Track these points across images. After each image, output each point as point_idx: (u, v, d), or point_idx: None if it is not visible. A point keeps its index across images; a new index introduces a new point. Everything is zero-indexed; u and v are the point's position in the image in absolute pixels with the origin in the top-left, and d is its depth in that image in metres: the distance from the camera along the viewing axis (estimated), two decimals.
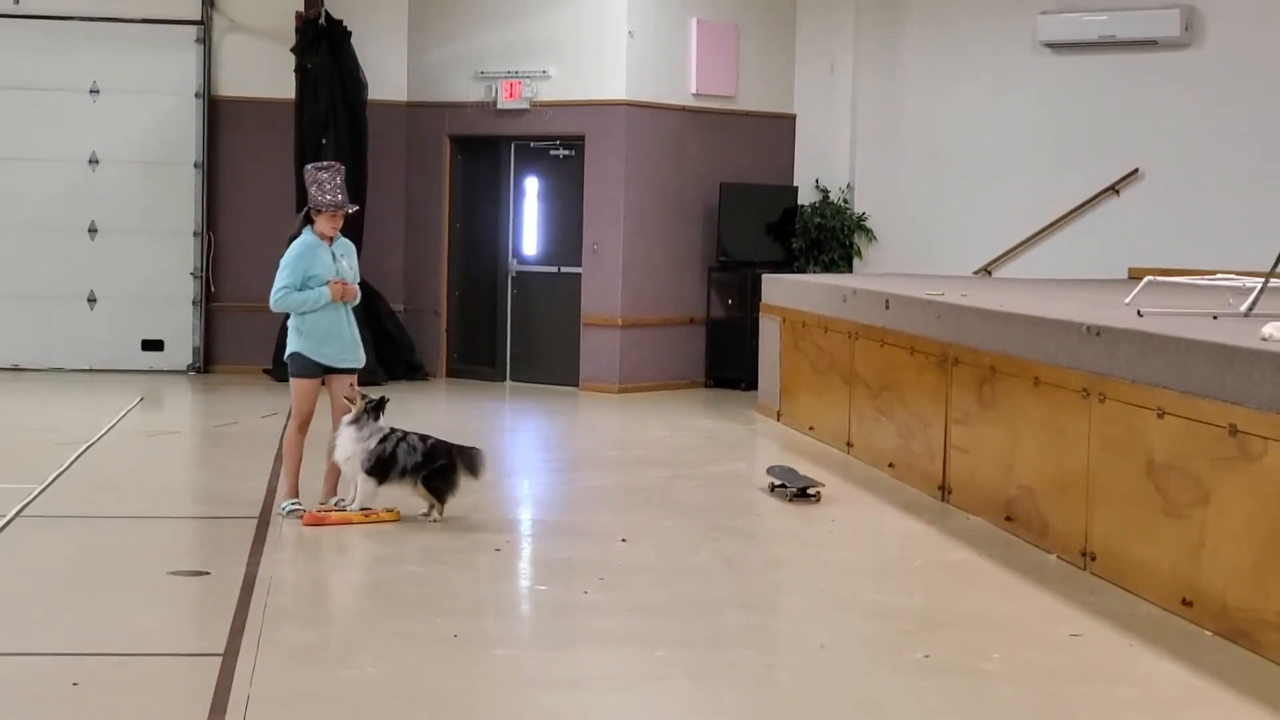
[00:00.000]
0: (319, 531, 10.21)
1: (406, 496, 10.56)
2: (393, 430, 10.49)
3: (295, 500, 10.62)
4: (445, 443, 10.64)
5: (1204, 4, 17.07)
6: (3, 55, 18.47)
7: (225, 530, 10.45)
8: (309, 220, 10.69)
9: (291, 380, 10.71)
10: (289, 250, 10.67)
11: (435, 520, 10.44)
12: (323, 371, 10.62)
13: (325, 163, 11.00)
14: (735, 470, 13.35)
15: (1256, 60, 16.31)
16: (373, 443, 10.39)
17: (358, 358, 10.79)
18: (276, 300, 10.62)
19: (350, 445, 10.41)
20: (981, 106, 18.41)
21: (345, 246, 10.82)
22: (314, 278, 10.54)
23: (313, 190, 10.64)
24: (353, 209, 10.87)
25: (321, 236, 10.66)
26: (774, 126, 19.15)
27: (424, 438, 10.57)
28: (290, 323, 10.74)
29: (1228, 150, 16.85)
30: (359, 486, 10.45)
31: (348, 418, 10.49)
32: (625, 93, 17.77)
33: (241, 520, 10.48)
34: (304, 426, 10.67)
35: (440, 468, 10.48)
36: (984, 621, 8.40)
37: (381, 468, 10.39)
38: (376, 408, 10.46)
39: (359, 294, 10.81)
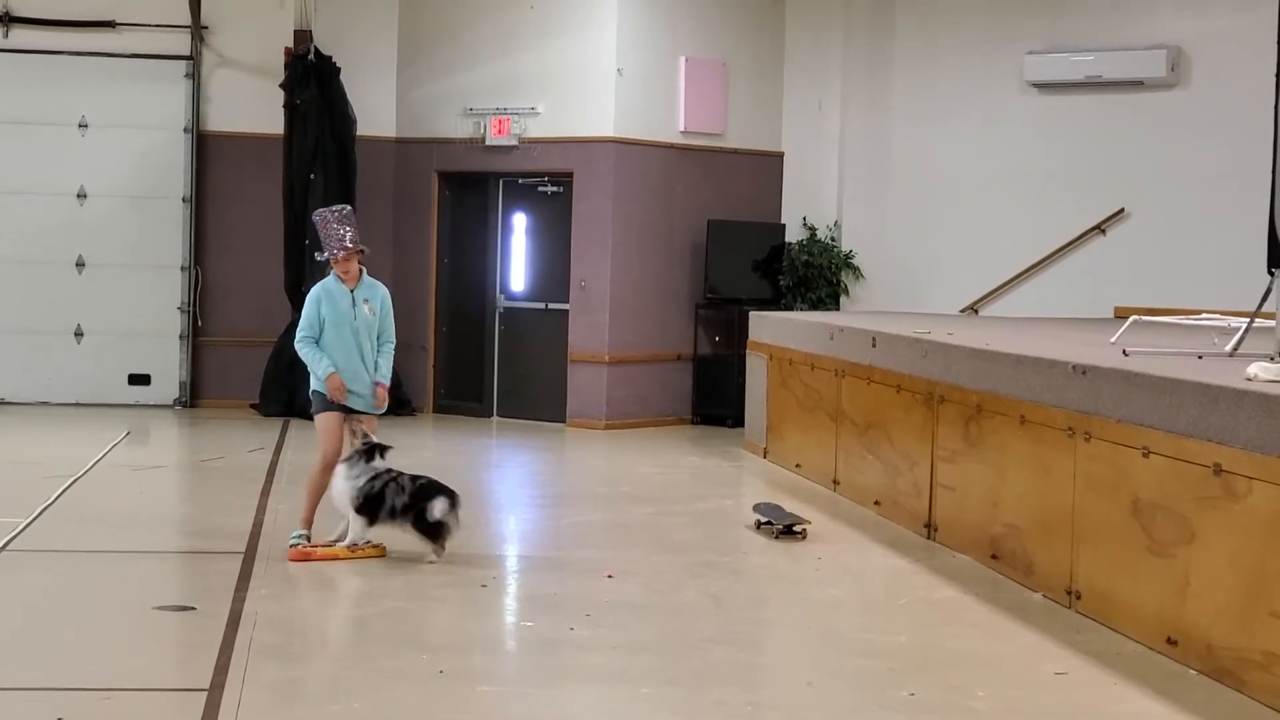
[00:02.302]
0: (304, 567, 10.20)
1: (408, 541, 10.51)
2: (387, 470, 10.47)
3: (304, 532, 10.59)
4: (438, 484, 10.54)
5: (1190, 45, 17.17)
6: None
7: (211, 565, 10.43)
8: (328, 265, 10.69)
9: (315, 418, 10.74)
10: (309, 294, 10.75)
11: (431, 561, 10.37)
12: (342, 409, 10.60)
13: (333, 207, 10.90)
14: (722, 507, 13.35)
15: (1242, 101, 16.37)
16: (361, 480, 10.37)
17: (364, 403, 10.70)
18: (298, 344, 10.68)
19: (340, 483, 10.42)
20: (969, 146, 18.49)
21: (371, 290, 10.74)
22: (326, 321, 10.55)
23: (321, 237, 10.62)
24: (362, 250, 10.64)
25: (342, 279, 10.62)
26: (762, 164, 19.21)
27: (415, 478, 10.49)
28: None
29: (1213, 190, 16.92)
30: (350, 524, 10.43)
31: (343, 455, 10.49)
32: (614, 130, 17.83)
33: (227, 555, 10.47)
34: (329, 466, 10.58)
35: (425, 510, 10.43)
36: (969, 659, 8.40)
37: (370, 506, 10.36)
38: (368, 453, 10.44)
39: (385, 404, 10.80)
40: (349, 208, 10.88)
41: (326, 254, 10.59)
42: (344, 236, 10.56)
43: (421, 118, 19.01)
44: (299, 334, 10.64)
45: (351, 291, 10.63)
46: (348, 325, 10.57)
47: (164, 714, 7.28)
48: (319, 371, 10.53)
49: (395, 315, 11.03)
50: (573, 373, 18.11)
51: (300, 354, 10.68)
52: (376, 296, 10.77)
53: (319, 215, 10.70)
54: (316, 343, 10.59)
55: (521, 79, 18.29)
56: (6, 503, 12.05)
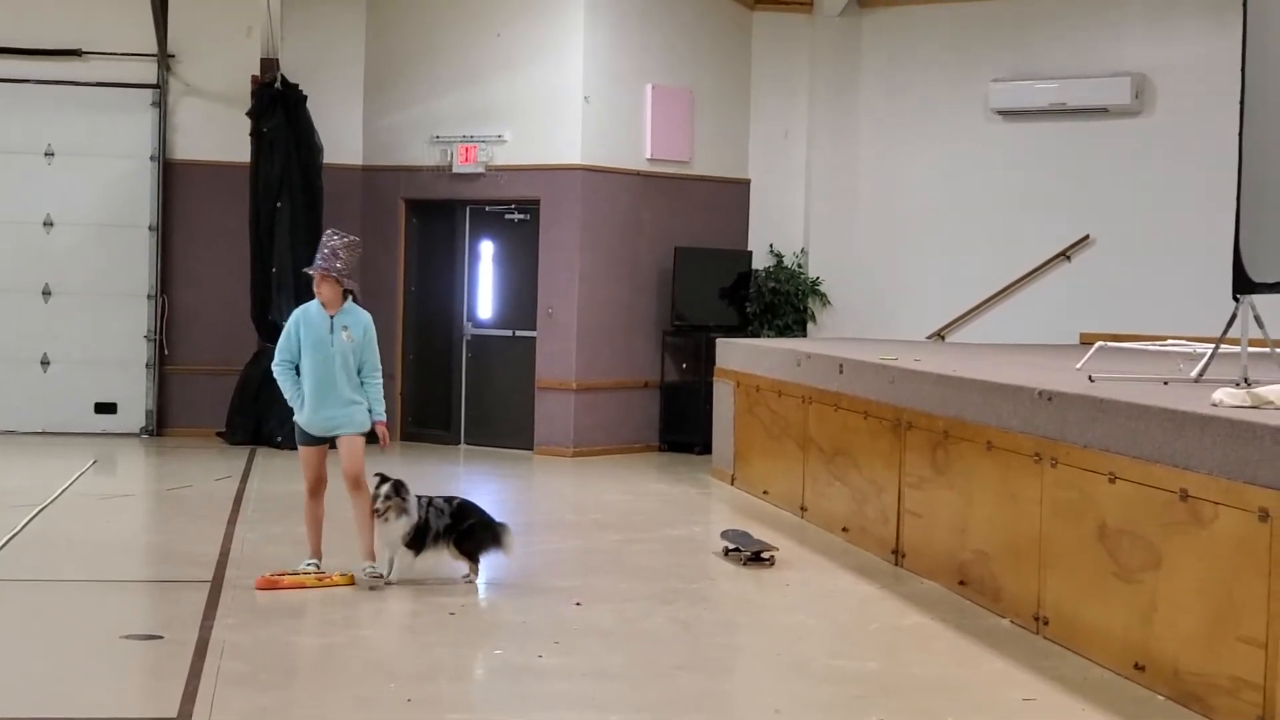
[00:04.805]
0: (272, 595, 10.16)
1: (442, 562, 10.63)
2: (417, 496, 10.55)
3: (313, 560, 10.61)
4: (471, 503, 10.83)
5: (1154, 73, 17.28)
6: None
7: (179, 594, 10.39)
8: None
9: (298, 448, 10.70)
10: (289, 318, 10.71)
11: (471, 580, 10.56)
12: (319, 441, 10.56)
13: (336, 231, 10.80)
14: (690, 534, 13.35)
15: (1205, 128, 16.47)
16: (414, 515, 10.42)
17: (353, 422, 10.57)
18: (275, 368, 10.62)
19: (392, 533, 10.39)
20: (934, 173, 18.57)
21: (352, 317, 10.58)
22: (303, 344, 10.48)
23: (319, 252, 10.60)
24: (315, 269, 10.55)
25: (324, 305, 10.52)
26: (729, 191, 19.26)
27: (449, 499, 10.70)
28: None
29: (1178, 217, 17.02)
30: (395, 561, 10.48)
31: (379, 514, 10.38)
32: (580, 157, 17.86)
33: (195, 584, 10.43)
34: (314, 492, 10.62)
35: (470, 527, 10.60)
36: (938, 686, 8.41)
37: (419, 537, 10.45)
38: (398, 492, 10.42)
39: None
40: (357, 240, 10.79)
41: (311, 269, 10.55)
42: (328, 259, 10.46)
43: (388, 145, 19.01)
44: (277, 358, 10.60)
45: (331, 317, 10.52)
46: (324, 350, 10.48)
47: None
48: (293, 404, 10.56)
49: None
50: (540, 400, 18.11)
51: (278, 381, 10.62)
52: (358, 324, 10.62)
53: (329, 233, 10.69)
54: (295, 369, 10.53)
55: (488, 107, 18.31)
56: None
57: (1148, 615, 8.26)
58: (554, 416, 18.02)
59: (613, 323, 18.23)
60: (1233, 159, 9.66)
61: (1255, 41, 9.45)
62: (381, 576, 10.38)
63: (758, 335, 18.52)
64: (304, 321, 10.55)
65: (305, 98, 18.31)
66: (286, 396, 10.59)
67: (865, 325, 18.66)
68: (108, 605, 10.17)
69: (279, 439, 17.77)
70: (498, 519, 10.95)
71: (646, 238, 18.49)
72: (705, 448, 17.31)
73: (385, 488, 10.41)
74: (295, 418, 10.62)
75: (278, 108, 18.18)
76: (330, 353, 10.50)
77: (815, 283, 19.02)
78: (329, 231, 10.79)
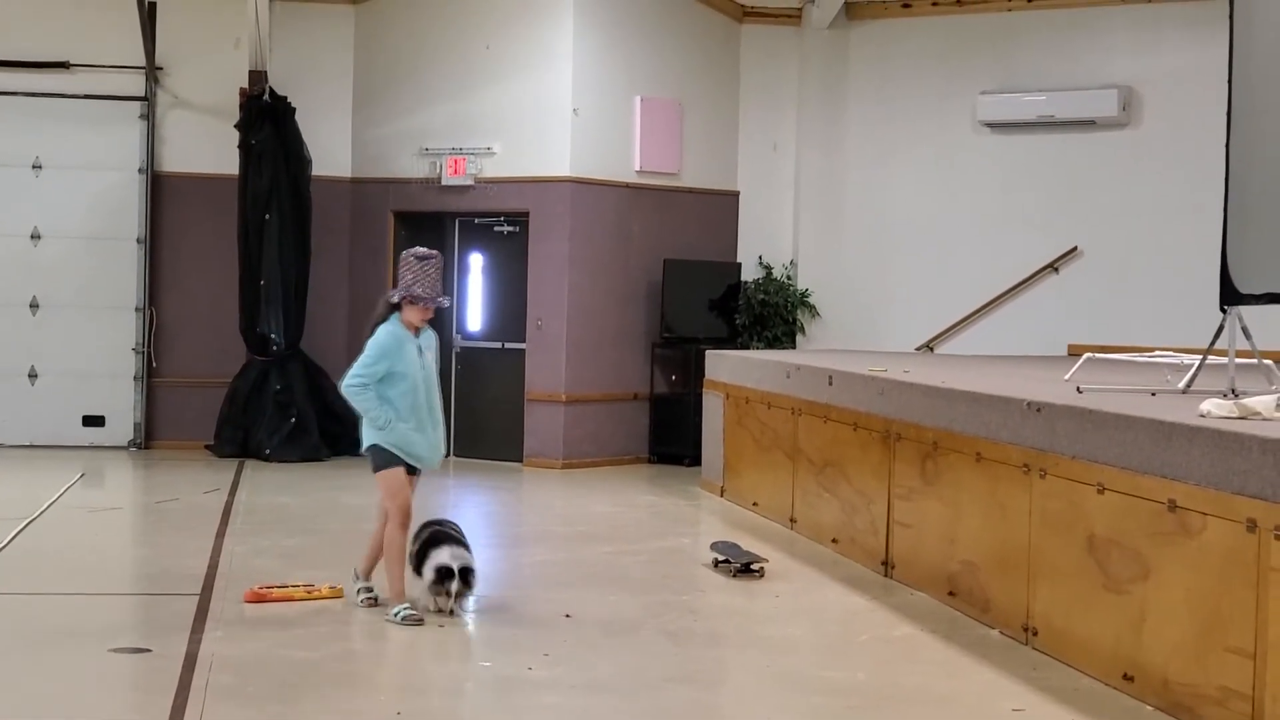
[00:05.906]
0: (260, 608, 10.14)
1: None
2: (448, 532, 10.31)
3: (407, 606, 9.92)
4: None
5: (1142, 85, 17.31)
6: None
7: (167, 607, 10.36)
8: (394, 307, 10.12)
9: (379, 475, 10.10)
10: (378, 336, 10.01)
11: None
12: (404, 463, 10.08)
13: (426, 251, 10.29)
14: (679, 546, 13.34)
15: (1193, 140, 16.51)
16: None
17: (434, 460, 10.30)
18: (350, 388, 9.94)
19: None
20: (923, 185, 18.59)
21: (430, 339, 10.25)
22: (396, 374, 9.96)
23: (409, 278, 10.07)
24: (445, 304, 10.34)
25: (408, 326, 10.10)
26: (717, 203, 19.27)
27: (450, 524, 10.55)
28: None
29: (1165, 228, 17.05)
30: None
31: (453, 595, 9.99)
32: (570, 169, 17.86)
33: (183, 597, 10.41)
34: (406, 524, 10.06)
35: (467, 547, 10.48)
36: (927, 697, 8.41)
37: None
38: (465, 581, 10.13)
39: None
40: (440, 257, 10.38)
41: (419, 300, 10.07)
42: (437, 287, 10.13)
43: (377, 157, 19.01)
44: (356, 379, 9.92)
45: (416, 339, 10.14)
46: (419, 376, 10.05)
47: None
48: (380, 421, 9.93)
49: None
50: (529, 412, 18.10)
51: (355, 400, 9.96)
52: (434, 344, 10.32)
53: (417, 254, 10.19)
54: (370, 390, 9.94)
55: (477, 119, 18.31)
56: None
57: (1137, 626, 8.26)
58: (543, 429, 18.01)
59: (602, 335, 18.23)
60: (1220, 170, 9.68)
61: (1241, 53, 9.47)
62: (422, 620, 9.81)
63: (747, 347, 18.53)
64: (397, 348, 10.01)
65: (294, 110, 18.31)
66: (372, 414, 9.92)
67: (854, 337, 18.67)
68: (95, 618, 10.14)
69: (267, 451, 17.77)
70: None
71: (636, 250, 18.50)
72: (695, 460, 17.30)
73: (455, 584, 9.91)
74: (378, 441, 10.00)
75: (266, 120, 18.18)
76: (424, 374, 10.09)
77: (804, 294, 19.03)
78: (418, 255, 10.21)
